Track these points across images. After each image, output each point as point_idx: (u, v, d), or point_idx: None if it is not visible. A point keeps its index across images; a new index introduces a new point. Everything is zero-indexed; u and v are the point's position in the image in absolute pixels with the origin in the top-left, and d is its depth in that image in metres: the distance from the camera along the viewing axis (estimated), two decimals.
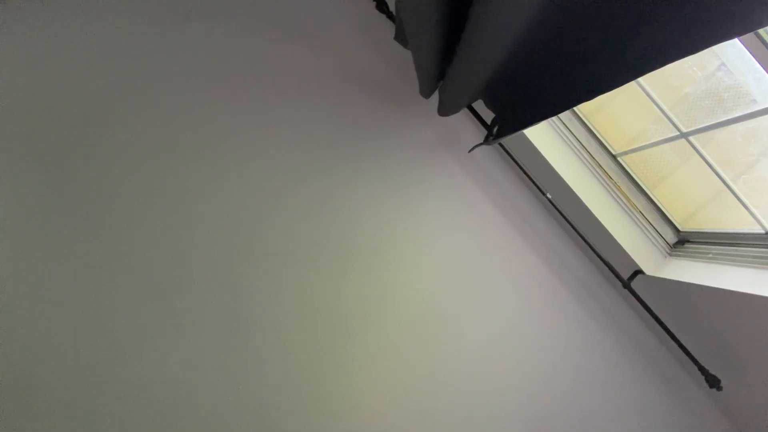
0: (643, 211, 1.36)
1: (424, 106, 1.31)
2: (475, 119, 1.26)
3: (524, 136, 1.28)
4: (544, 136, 1.33)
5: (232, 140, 1.24)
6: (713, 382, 1.19)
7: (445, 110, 1.18)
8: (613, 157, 1.38)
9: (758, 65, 0.94)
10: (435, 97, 1.27)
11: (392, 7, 1.23)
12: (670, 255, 1.34)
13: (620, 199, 1.36)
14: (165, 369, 1.18)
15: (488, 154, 1.35)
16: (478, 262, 1.34)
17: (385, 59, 1.30)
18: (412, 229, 1.31)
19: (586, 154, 1.37)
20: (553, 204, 1.28)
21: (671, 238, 1.37)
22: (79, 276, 1.16)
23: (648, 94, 1.22)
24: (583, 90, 0.71)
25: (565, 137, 1.36)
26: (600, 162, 1.37)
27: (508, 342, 1.34)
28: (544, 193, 1.29)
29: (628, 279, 1.28)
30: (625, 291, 1.28)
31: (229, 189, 1.23)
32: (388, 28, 1.27)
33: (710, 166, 1.18)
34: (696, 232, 1.31)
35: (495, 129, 1.18)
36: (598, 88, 0.67)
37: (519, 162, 1.28)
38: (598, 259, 1.28)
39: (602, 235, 1.31)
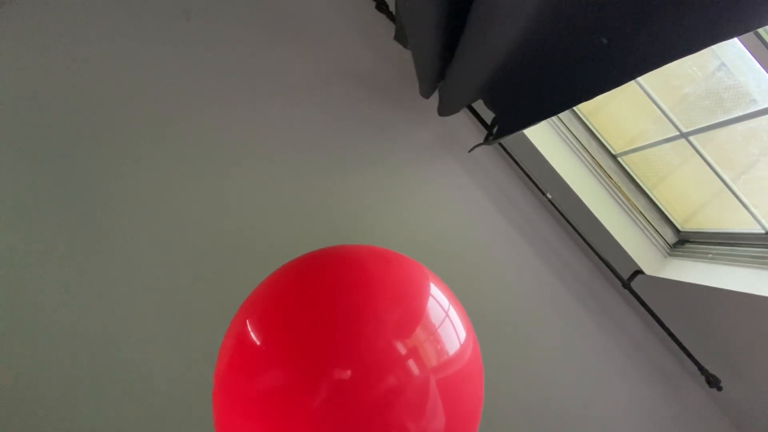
0: (643, 211, 1.36)
1: (424, 106, 1.31)
2: (475, 119, 1.26)
3: (524, 136, 1.28)
4: (544, 136, 1.33)
5: (231, 140, 1.24)
6: (713, 382, 1.19)
7: (445, 110, 1.18)
8: (613, 157, 1.38)
9: (758, 65, 0.94)
10: (435, 97, 1.27)
11: (392, 7, 1.23)
12: (670, 255, 1.34)
13: (620, 199, 1.36)
14: (165, 370, 1.18)
15: (488, 154, 1.35)
16: (478, 262, 1.34)
17: (385, 59, 1.30)
18: (410, 229, 1.31)
19: (586, 154, 1.37)
20: (553, 204, 1.28)
21: (671, 238, 1.37)
22: (78, 274, 1.16)
23: (648, 94, 1.22)
24: (583, 90, 0.71)
25: (565, 137, 1.36)
26: (600, 162, 1.37)
27: (507, 341, 1.34)
28: (544, 193, 1.29)
29: (628, 279, 1.28)
30: (625, 291, 1.28)
31: (228, 188, 1.23)
32: (388, 28, 1.27)
33: (710, 166, 1.18)
34: (696, 232, 1.31)
35: (495, 129, 1.18)
36: (598, 88, 0.67)
37: (519, 162, 1.28)
38: (598, 259, 1.28)
39: (602, 235, 1.31)
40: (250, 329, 0.64)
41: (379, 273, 0.68)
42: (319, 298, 0.64)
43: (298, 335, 0.61)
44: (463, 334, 0.68)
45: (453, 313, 0.69)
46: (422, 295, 0.69)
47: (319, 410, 0.56)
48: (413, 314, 0.65)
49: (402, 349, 0.60)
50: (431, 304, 0.68)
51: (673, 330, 1.22)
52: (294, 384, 0.57)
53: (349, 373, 0.57)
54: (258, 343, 0.63)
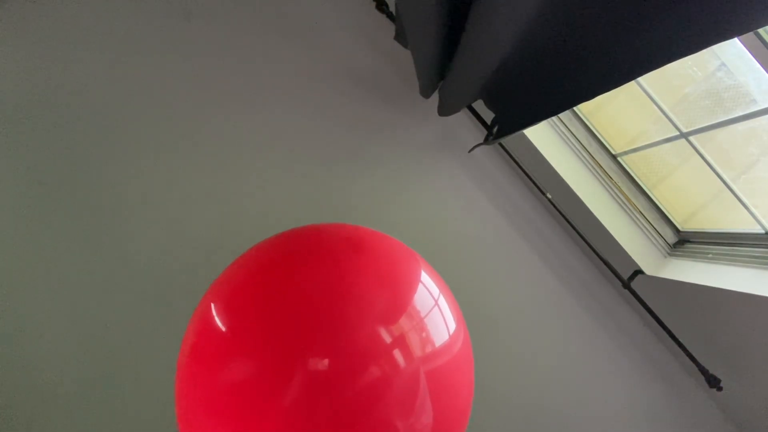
0: (643, 211, 1.36)
1: (424, 106, 1.31)
2: (475, 119, 1.26)
3: (524, 136, 1.28)
4: (544, 136, 1.33)
5: (229, 139, 1.24)
6: (713, 382, 1.19)
7: (445, 110, 1.18)
8: (613, 157, 1.38)
9: (758, 65, 0.94)
10: (435, 97, 1.27)
11: (392, 7, 1.23)
12: (670, 255, 1.34)
13: (620, 199, 1.36)
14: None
15: (488, 154, 1.35)
16: (477, 262, 1.34)
17: (385, 59, 1.30)
18: (409, 230, 1.31)
19: (586, 154, 1.37)
20: (553, 204, 1.28)
21: (671, 238, 1.37)
22: (78, 276, 1.16)
23: (648, 94, 1.22)
24: (583, 90, 0.71)
25: (565, 137, 1.36)
26: (600, 162, 1.37)
27: (506, 341, 1.33)
28: (544, 193, 1.29)
29: (628, 279, 1.28)
30: (625, 291, 1.27)
31: (226, 188, 1.23)
32: (388, 28, 1.27)
33: (710, 166, 1.18)
34: (696, 232, 1.31)
35: (495, 129, 1.18)
36: (598, 88, 0.67)
37: (519, 162, 1.28)
38: (598, 259, 1.28)
39: (602, 235, 1.31)
40: (215, 314, 0.56)
41: (362, 254, 0.60)
42: (294, 280, 0.57)
43: (269, 321, 0.53)
44: (452, 323, 0.62)
45: (442, 300, 0.63)
46: (410, 279, 0.61)
47: (294, 405, 0.50)
48: (400, 299, 0.58)
49: (387, 337, 0.53)
50: (420, 289, 0.60)
51: (673, 330, 1.22)
52: (265, 376, 0.51)
53: (326, 363, 0.51)
54: (224, 329, 0.54)
